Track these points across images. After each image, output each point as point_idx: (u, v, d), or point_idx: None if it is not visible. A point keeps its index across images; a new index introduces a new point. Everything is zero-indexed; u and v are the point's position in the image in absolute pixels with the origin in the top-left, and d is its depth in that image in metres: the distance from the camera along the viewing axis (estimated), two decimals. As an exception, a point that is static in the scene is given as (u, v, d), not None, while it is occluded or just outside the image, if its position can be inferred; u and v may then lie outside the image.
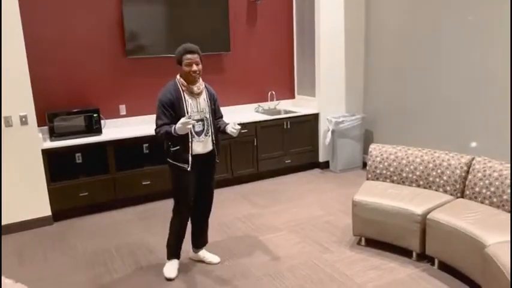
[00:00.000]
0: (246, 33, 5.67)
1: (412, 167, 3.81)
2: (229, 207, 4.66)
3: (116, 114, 5.08)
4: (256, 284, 3.20)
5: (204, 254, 3.55)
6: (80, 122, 4.55)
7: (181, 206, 3.30)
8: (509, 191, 3.18)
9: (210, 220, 3.54)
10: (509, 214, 3.16)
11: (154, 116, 5.10)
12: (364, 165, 5.61)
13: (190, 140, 3.13)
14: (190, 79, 3.12)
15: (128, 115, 5.14)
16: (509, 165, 3.31)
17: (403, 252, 3.50)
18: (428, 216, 3.30)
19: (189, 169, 3.17)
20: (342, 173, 5.73)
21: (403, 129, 5.33)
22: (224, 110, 5.54)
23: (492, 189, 3.30)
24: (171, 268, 3.36)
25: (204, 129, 3.19)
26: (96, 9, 4.79)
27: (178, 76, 3.19)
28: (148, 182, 4.77)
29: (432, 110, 4.90)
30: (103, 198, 4.61)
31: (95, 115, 4.61)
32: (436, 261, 3.31)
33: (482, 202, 3.37)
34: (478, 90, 4.36)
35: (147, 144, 5.09)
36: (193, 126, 3.09)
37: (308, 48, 5.81)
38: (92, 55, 4.86)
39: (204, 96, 3.22)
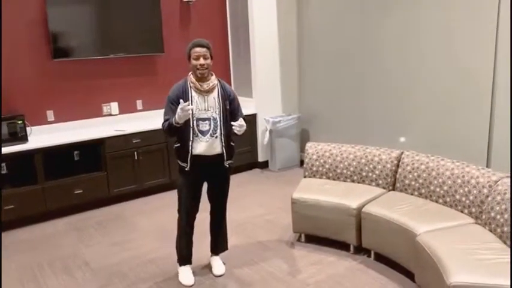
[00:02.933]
0: (180, 34, 5.59)
1: (346, 163, 3.93)
2: (168, 211, 4.55)
3: (43, 121, 4.80)
4: (198, 289, 3.16)
5: (213, 261, 3.41)
6: (3, 130, 4.25)
7: (179, 206, 3.17)
8: (436, 182, 3.37)
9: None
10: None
11: (85, 121, 5.03)
12: (302, 163, 5.72)
13: (191, 138, 3.00)
14: (197, 74, 2.98)
15: (56, 121, 4.87)
16: (434, 157, 3.51)
17: (341, 246, 3.60)
18: (363, 210, 3.42)
19: (187, 169, 3.04)
20: (281, 171, 5.81)
21: (337, 127, 5.49)
22: (158, 114, 5.51)
23: (420, 181, 3.48)
24: (184, 275, 3.23)
25: (210, 129, 3.02)
26: (16, 8, 4.49)
27: (190, 73, 3.06)
28: (81, 191, 4.55)
29: (363, 107, 5.09)
30: (32, 210, 4.34)
31: (19, 122, 4.33)
32: (372, 253, 3.44)
33: (411, 193, 3.55)
34: (406, 90, 4.59)
35: (78, 151, 4.86)
36: (198, 124, 2.99)
37: (243, 50, 5.83)
38: (14, 57, 4.55)
39: (215, 94, 3.05)
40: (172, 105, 3.02)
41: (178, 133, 3.04)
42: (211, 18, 5.85)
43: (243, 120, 3.03)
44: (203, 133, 3.02)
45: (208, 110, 3.03)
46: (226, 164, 3.14)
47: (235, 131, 2.99)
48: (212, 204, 3.32)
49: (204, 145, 3.03)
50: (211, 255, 3.43)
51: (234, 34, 5.95)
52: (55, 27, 4.61)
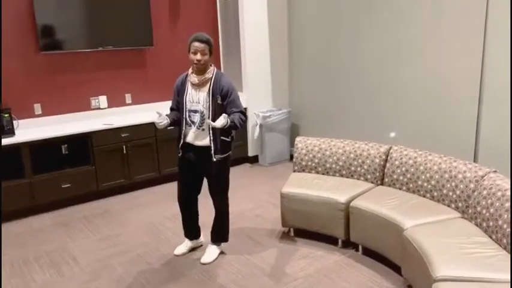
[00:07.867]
0: (169, 27, 5.54)
1: (335, 157, 3.94)
2: (157, 206, 4.54)
3: (31, 114, 4.74)
4: (188, 283, 3.15)
5: (207, 248, 3.51)
6: (-11, 124, 4.20)
7: (177, 186, 3.39)
8: (423, 176, 3.40)
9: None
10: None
11: (73, 115, 4.98)
12: (292, 157, 5.72)
13: (184, 126, 3.19)
14: (194, 68, 3.09)
15: (44, 114, 4.82)
16: (422, 152, 3.53)
17: (330, 240, 3.61)
18: (351, 204, 3.44)
19: (179, 154, 3.27)
20: (270, 166, 5.81)
21: (326, 122, 5.50)
22: (147, 107, 5.49)
23: (408, 175, 3.50)
24: (179, 246, 3.56)
25: (197, 121, 3.14)
26: (3, 0, 4.41)
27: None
28: (69, 185, 4.52)
29: (352, 103, 5.10)
30: (19, 205, 4.29)
31: (5, 115, 4.27)
32: (360, 247, 3.46)
33: (400, 188, 3.57)
34: (395, 85, 4.60)
35: (66, 145, 4.81)
36: (190, 115, 3.15)
37: (234, 44, 5.80)
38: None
39: (206, 89, 3.10)
40: (174, 95, 3.27)
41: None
42: (201, 12, 5.81)
43: (223, 118, 2.92)
44: (194, 123, 3.17)
45: (198, 102, 3.13)
46: (215, 158, 3.16)
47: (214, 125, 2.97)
48: (210, 193, 3.39)
49: (192, 135, 3.19)
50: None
51: (224, 28, 5.92)
52: (43, 20, 4.54)
